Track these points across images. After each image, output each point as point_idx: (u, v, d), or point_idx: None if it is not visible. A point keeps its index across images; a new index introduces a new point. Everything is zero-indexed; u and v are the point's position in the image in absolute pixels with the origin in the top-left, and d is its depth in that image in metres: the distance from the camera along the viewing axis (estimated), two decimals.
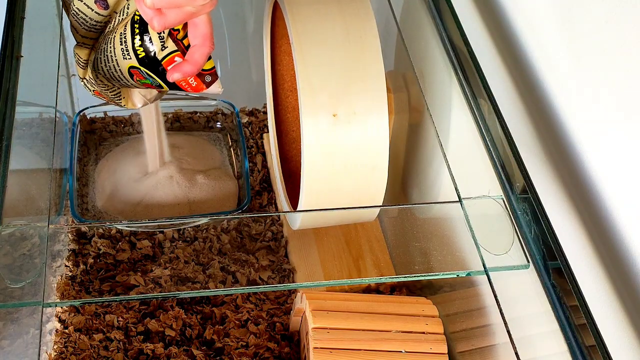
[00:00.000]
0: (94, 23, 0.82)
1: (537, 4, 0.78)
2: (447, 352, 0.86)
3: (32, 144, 0.88)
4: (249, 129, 1.19)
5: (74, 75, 1.19)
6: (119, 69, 0.81)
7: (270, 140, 1.07)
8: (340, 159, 0.81)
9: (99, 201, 1.05)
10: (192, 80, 0.80)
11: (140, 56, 0.79)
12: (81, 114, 1.13)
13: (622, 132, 0.66)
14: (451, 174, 0.77)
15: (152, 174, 1.04)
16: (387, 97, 0.81)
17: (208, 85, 0.81)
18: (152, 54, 0.78)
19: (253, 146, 1.16)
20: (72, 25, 0.84)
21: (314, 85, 0.79)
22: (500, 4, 0.85)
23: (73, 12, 0.82)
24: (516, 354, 0.64)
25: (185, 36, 0.77)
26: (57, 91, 0.83)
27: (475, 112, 0.78)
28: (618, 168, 0.67)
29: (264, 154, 1.15)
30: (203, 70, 0.79)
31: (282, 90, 1.04)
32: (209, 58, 0.79)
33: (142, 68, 0.80)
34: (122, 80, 0.83)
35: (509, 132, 0.75)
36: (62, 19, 0.92)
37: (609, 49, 0.67)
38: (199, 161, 1.10)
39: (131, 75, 0.82)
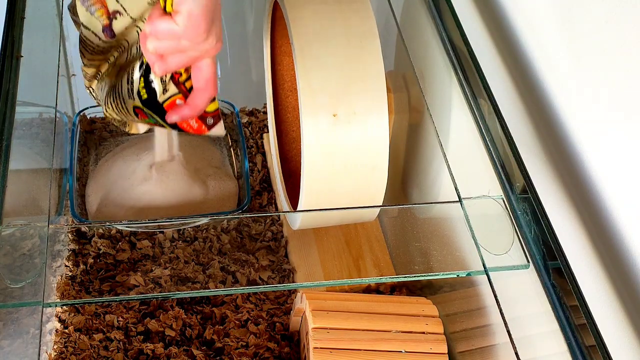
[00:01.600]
0: (101, 49, 0.83)
1: (537, 4, 0.78)
2: (447, 352, 0.86)
3: (32, 144, 0.88)
4: (249, 129, 1.19)
5: (74, 75, 1.19)
6: (126, 107, 0.83)
7: (270, 140, 1.07)
8: (340, 159, 0.81)
9: (95, 201, 1.04)
10: (193, 122, 0.81)
11: (143, 98, 0.79)
12: (81, 114, 1.13)
13: (622, 132, 0.66)
14: (451, 174, 0.77)
15: (152, 174, 1.04)
16: (387, 97, 0.81)
17: (210, 127, 0.82)
18: (154, 96, 0.79)
19: (253, 146, 1.16)
20: (80, 46, 0.84)
21: (314, 86, 0.79)
22: (500, 4, 0.85)
23: (82, 37, 0.82)
24: (516, 354, 0.64)
25: (188, 78, 0.77)
26: (57, 91, 0.83)
27: (475, 112, 0.78)
28: (618, 168, 0.67)
29: (264, 154, 1.15)
30: (206, 112, 0.80)
31: (282, 90, 1.04)
32: (213, 100, 0.78)
33: (145, 109, 0.81)
34: (128, 116, 0.85)
35: (509, 132, 0.75)
36: (62, 19, 0.92)
37: (609, 49, 0.67)
38: (199, 161, 1.10)
39: (136, 114, 0.83)
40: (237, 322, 0.94)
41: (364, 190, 0.83)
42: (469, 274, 0.79)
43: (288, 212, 0.99)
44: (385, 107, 0.80)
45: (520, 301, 0.68)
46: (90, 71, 0.86)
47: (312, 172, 0.81)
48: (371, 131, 0.80)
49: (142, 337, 0.92)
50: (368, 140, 0.80)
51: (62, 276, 0.97)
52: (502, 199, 0.72)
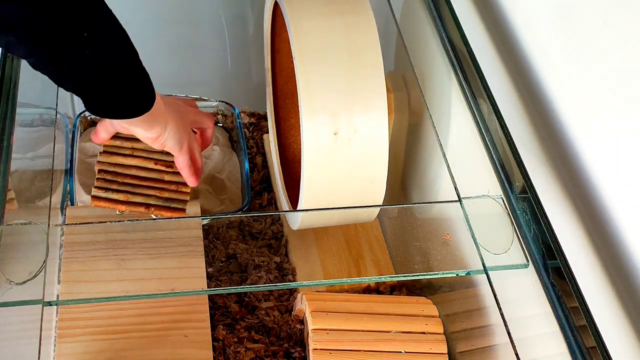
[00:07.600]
0: None
1: (536, 4, 0.78)
2: (446, 352, 0.86)
3: (33, 145, 0.88)
4: (249, 129, 1.19)
5: None
6: None
7: (270, 141, 1.07)
8: (340, 174, 0.81)
9: None
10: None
11: None
12: (82, 115, 1.13)
13: (622, 131, 0.66)
14: (451, 174, 0.77)
15: None
16: (387, 97, 0.81)
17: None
18: None
19: (253, 146, 1.16)
20: None
21: (316, 105, 0.78)
22: (499, 5, 0.85)
23: None
24: (516, 354, 0.64)
25: None
26: (57, 92, 0.84)
27: (475, 112, 0.78)
28: (618, 168, 0.67)
29: (264, 155, 1.15)
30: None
31: (282, 91, 1.04)
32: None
33: None
34: None
35: (508, 131, 0.75)
36: None
37: (608, 49, 0.67)
38: None
39: None
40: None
41: (361, 202, 0.84)
42: (468, 273, 0.79)
43: (288, 211, 0.99)
44: (385, 126, 0.80)
45: (519, 300, 0.69)
46: None
47: (312, 187, 0.81)
48: (371, 148, 0.80)
49: None
50: (368, 157, 0.80)
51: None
52: (502, 198, 0.72)
